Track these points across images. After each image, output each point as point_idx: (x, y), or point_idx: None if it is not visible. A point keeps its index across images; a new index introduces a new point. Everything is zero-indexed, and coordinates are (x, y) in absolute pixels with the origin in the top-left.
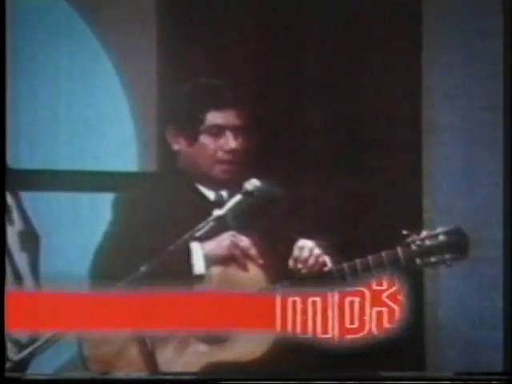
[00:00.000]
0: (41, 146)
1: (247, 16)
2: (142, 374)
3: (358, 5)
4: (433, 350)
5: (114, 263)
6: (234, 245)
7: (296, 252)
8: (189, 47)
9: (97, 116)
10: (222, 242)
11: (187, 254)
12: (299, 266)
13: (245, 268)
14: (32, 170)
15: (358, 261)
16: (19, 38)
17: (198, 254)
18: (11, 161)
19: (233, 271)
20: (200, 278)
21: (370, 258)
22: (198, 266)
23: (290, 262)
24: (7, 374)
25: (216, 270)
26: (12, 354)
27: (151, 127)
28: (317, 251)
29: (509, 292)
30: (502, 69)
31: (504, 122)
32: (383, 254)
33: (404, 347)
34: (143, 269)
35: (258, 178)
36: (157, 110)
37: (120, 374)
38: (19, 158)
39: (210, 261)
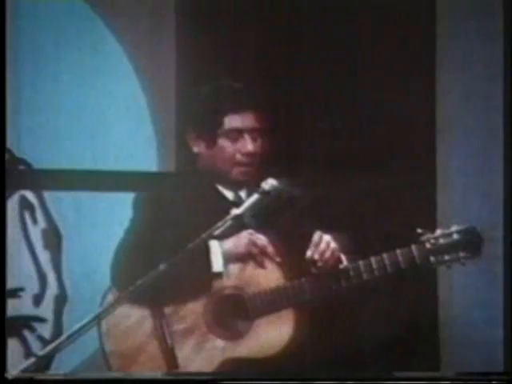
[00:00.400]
0: (63, 146)
1: (265, 19)
2: (142, 374)
3: (373, 9)
4: (446, 346)
5: (135, 261)
6: (252, 243)
7: (313, 244)
8: (208, 50)
9: (117, 117)
10: (240, 241)
11: (206, 251)
12: (316, 257)
13: (262, 265)
14: (55, 169)
15: (373, 259)
16: (40, 39)
17: (217, 251)
18: (34, 161)
19: (251, 268)
20: (218, 275)
21: (384, 255)
22: (217, 263)
23: (308, 253)
24: (31, 371)
25: (234, 268)
26: (37, 349)
27: (170, 129)
28: (333, 245)
29: (509, 292)
30: None
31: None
32: (398, 251)
33: (418, 344)
34: (162, 267)
35: (275, 178)
36: (176, 112)
37: (120, 374)
38: (42, 158)
39: (229, 259)
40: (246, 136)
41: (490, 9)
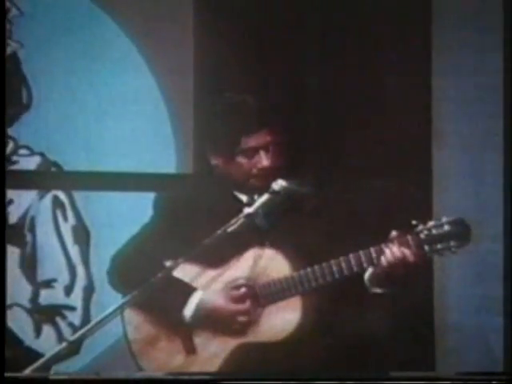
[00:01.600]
0: (92, 149)
1: (277, 38)
2: (143, 374)
3: (367, 14)
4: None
5: (152, 254)
6: (232, 300)
7: None
8: (224, 65)
9: (139, 124)
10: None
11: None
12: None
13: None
14: (84, 172)
15: (372, 249)
16: (63, 48)
17: (194, 300)
18: (65, 164)
19: (262, 261)
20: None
21: (383, 245)
22: (189, 309)
23: None
24: (62, 354)
25: (248, 261)
26: (68, 334)
27: (189, 135)
28: None
29: (509, 293)
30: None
31: (504, 127)
32: (395, 242)
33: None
34: (169, 263)
35: (284, 179)
36: (194, 120)
37: (120, 374)
38: (71, 160)
39: (201, 309)
40: (262, 153)
41: (486, 14)
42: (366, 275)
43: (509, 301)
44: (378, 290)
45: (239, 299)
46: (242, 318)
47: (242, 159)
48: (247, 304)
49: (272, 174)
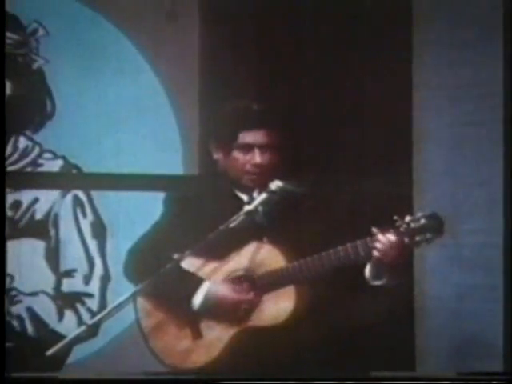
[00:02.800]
0: (108, 152)
1: (278, 42)
2: (142, 374)
3: (348, 21)
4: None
5: (162, 248)
6: (238, 296)
7: None
8: (227, 70)
9: (152, 132)
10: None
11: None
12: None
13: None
14: (101, 173)
15: (358, 242)
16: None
17: (203, 290)
18: (84, 166)
19: (260, 254)
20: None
21: (367, 239)
22: (197, 299)
23: None
24: (81, 337)
25: (247, 253)
26: (87, 319)
27: (194, 139)
28: None
29: (509, 296)
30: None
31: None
32: (378, 236)
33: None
34: (176, 256)
35: (281, 180)
36: (199, 126)
37: (120, 374)
38: (91, 163)
39: (209, 300)
40: (256, 150)
41: (466, 19)
42: (367, 268)
43: (509, 301)
44: (378, 283)
45: (240, 289)
46: (243, 307)
47: (238, 154)
48: (248, 294)
49: (264, 173)
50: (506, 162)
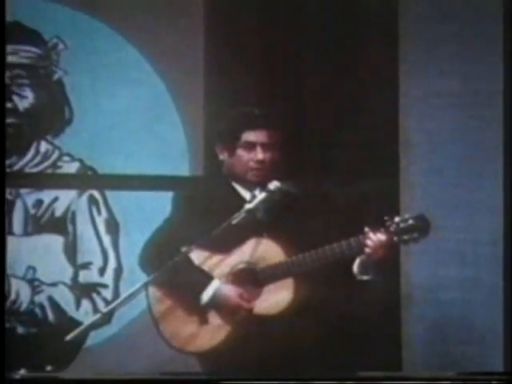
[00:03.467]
0: (121, 155)
1: (280, 49)
2: (142, 374)
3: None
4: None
5: (171, 242)
6: (240, 298)
7: None
8: (231, 76)
9: (161, 138)
10: (232, 293)
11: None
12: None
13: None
14: (115, 174)
15: (351, 239)
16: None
17: (213, 287)
18: (99, 167)
19: (260, 248)
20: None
21: (360, 236)
22: (206, 295)
23: None
24: (95, 323)
25: (248, 248)
26: (101, 307)
27: (200, 143)
28: None
29: (509, 296)
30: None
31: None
32: (370, 234)
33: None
34: (184, 249)
35: (280, 180)
36: (204, 130)
37: (120, 375)
38: (105, 165)
39: (217, 297)
40: (258, 148)
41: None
42: (355, 264)
43: (509, 301)
44: (365, 278)
45: (243, 282)
46: (245, 306)
47: (242, 152)
48: (250, 287)
49: (266, 169)
50: (489, 164)
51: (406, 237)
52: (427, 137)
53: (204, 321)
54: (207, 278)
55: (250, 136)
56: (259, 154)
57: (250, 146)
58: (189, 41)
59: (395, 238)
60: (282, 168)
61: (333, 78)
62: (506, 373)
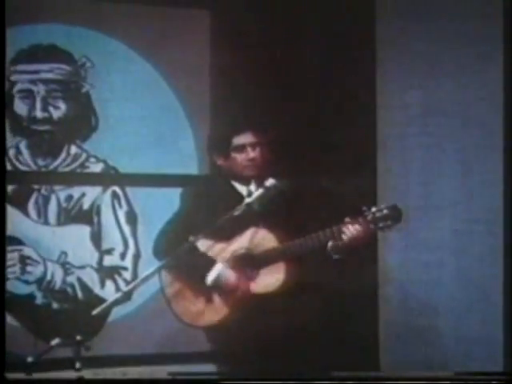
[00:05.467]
0: (140, 157)
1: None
2: (142, 374)
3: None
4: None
5: (181, 231)
6: (239, 280)
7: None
8: (233, 86)
9: (172, 139)
10: (233, 277)
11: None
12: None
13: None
14: (133, 173)
15: (334, 227)
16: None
17: (217, 270)
18: (121, 167)
19: (258, 236)
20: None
21: (341, 225)
22: (211, 276)
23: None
24: (113, 300)
25: (247, 235)
26: (123, 287)
27: (205, 147)
28: None
29: (508, 296)
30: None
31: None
32: (350, 223)
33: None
34: (192, 238)
35: (272, 175)
36: (210, 133)
37: (120, 375)
38: (125, 165)
39: (220, 279)
40: (248, 148)
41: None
42: (329, 246)
43: (508, 301)
44: (337, 257)
45: (242, 266)
46: (244, 287)
47: (235, 154)
48: (248, 270)
49: (258, 165)
50: (455, 160)
51: (381, 224)
52: (401, 140)
53: (209, 300)
54: (211, 262)
55: (238, 139)
56: (250, 153)
57: (241, 148)
58: (196, 56)
59: (372, 226)
60: (271, 162)
61: (314, 81)
62: (506, 373)
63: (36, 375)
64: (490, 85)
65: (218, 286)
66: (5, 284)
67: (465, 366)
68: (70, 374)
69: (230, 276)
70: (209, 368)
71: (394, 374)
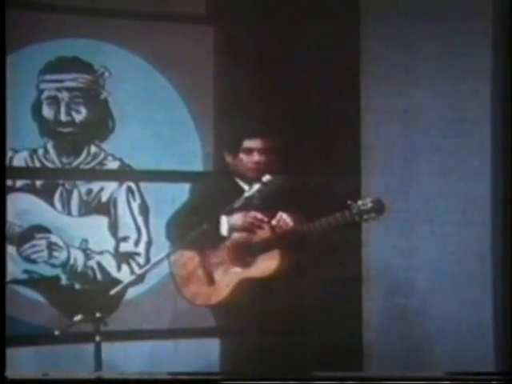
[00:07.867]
0: (151, 156)
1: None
2: (142, 374)
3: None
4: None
5: (188, 221)
6: (249, 218)
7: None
8: (237, 92)
9: (179, 139)
10: (241, 217)
11: (218, 224)
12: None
13: (254, 232)
14: (145, 170)
15: (323, 219)
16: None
17: (225, 222)
18: (135, 165)
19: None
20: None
21: (330, 217)
22: (224, 230)
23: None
24: (126, 284)
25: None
26: (137, 270)
27: (211, 146)
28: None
29: (509, 294)
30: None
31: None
32: (337, 214)
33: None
34: (205, 225)
35: (272, 173)
36: (214, 135)
37: (119, 375)
38: (139, 163)
39: (232, 227)
40: (255, 152)
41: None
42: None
43: (508, 301)
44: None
45: (241, 254)
46: (258, 223)
47: (242, 156)
48: (246, 262)
49: (261, 168)
50: (436, 158)
51: (365, 216)
52: (385, 141)
53: (212, 283)
54: (216, 223)
55: (248, 143)
56: (256, 157)
57: (249, 151)
58: (201, 64)
59: (357, 218)
60: (273, 166)
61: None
62: (506, 373)
63: (38, 372)
64: (473, 88)
65: (236, 230)
66: (5, 284)
67: (456, 365)
68: (68, 375)
69: (238, 218)
70: (214, 342)
71: (392, 373)
